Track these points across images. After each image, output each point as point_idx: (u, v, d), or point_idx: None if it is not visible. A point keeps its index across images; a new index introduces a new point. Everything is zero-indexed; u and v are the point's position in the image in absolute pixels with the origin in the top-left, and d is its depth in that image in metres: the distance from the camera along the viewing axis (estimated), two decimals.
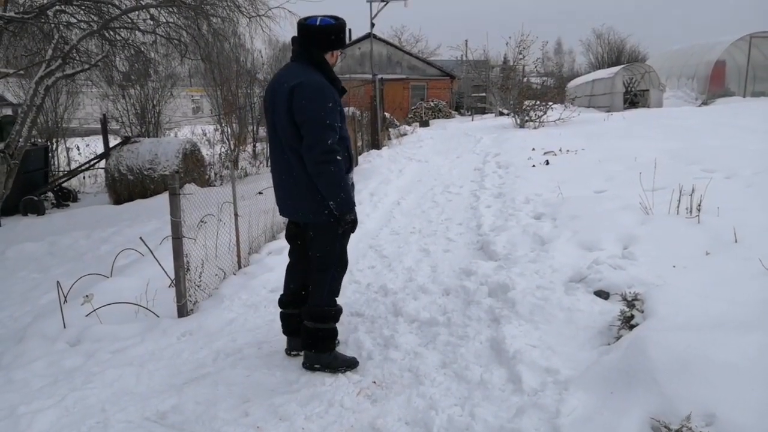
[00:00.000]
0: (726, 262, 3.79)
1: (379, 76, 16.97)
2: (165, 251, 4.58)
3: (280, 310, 3.41)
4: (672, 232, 4.50)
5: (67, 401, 2.99)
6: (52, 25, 8.16)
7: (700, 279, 3.57)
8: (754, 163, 6.92)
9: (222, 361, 3.44)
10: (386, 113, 18.50)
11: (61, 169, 13.45)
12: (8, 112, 13.06)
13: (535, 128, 16.20)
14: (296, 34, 3.03)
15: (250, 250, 5.46)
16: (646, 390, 2.38)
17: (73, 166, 13.78)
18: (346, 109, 3.44)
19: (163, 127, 15.93)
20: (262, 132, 15.66)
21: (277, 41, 17.92)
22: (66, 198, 11.52)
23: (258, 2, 9.19)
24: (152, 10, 8.53)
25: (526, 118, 17.04)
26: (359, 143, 12.97)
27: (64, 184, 11.75)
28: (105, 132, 12.36)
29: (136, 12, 8.52)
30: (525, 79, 22.24)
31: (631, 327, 3.04)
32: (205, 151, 14.03)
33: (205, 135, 16.61)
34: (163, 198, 5.29)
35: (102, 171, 12.25)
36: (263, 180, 7.54)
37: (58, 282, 4.23)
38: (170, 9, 8.59)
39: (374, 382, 3.06)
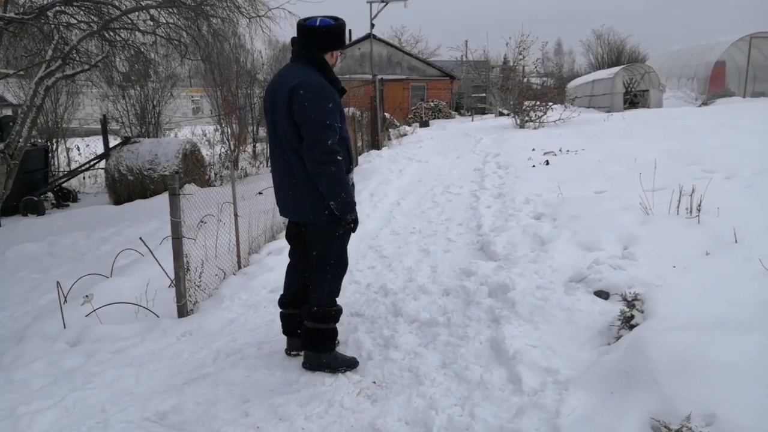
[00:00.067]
0: (726, 263, 3.79)
1: (379, 77, 16.97)
2: (165, 251, 4.58)
3: (280, 310, 3.42)
4: (672, 233, 4.50)
5: (67, 401, 2.99)
6: (52, 26, 8.17)
7: (700, 279, 3.57)
8: (754, 164, 6.92)
9: (222, 361, 3.44)
10: (386, 114, 18.50)
11: (61, 169, 13.45)
12: (8, 112, 13.05)
13: (535, 128, 16.20)
14: (296, 35, 3.03)
15: (250, 250, 5.46)
16: (646, 390, 2.38)
17: (73, 166, 13.79)
18: (346, 110, 3.44)
19: (163, 128, 15.93)
20: (262, 132, 15.67)
21: (277, 42, 17.94)
22: (66, 198, 11.52)
23: (258, 3, 9.20)
24: (152, 11, 8.54)
25: (526, 118, 17.04)
26: (359, 143, 12.98)
27: (64, 185, 11.76)
28: (105, 132, 12.37)
29: (136, 13, 8.53)
30: (525, 80, 22.24)
31: (631, 327, 3.04)
32: (205, 152, 14.04)
33: (205, 135, 16.61)
34: (163, 198, 5.29)
35: (102, 171, 12.26)
36: (263, 180, 7.55)
37: (58, 282, 4.23)
38: (170, 10, 8.60)
39: (374, 382, 3.06)
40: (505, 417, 2.62)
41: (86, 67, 8.95)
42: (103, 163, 11.85)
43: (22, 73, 9.70)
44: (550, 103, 17.67)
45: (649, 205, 5.08)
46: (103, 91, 13.92)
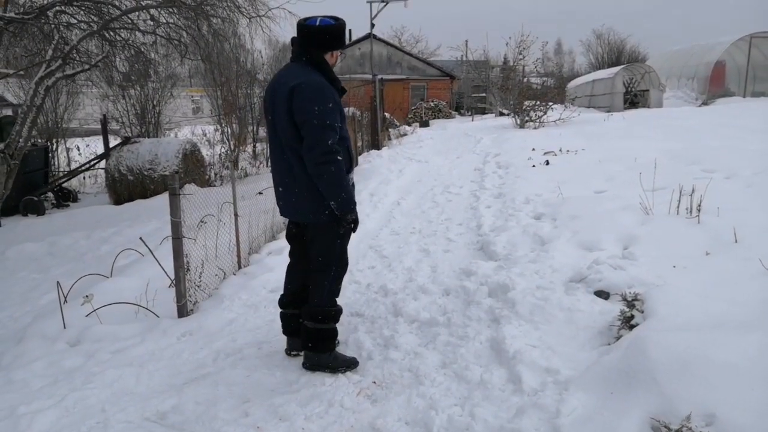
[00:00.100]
0: (726, 262, 3.79)
1: (379, 77, 16.97)
2: (165, 251, 4.58)
3: (280, 310, 3.41)
4: (672, 233, 4.50)
5: (67, 401, 2.99)
6: (53, 26, 8.17)
7: (700, 279, 3.57)
8: (754, 164, 6.92)
9: (222, 361, 3.44)
10: (386, 113, 18.50)
11: (61, 169, 13.45)
12: (8, 112, 13.06)
13: (535, 128, 16.20)
14: (296, 35, 3.03)
15: (250, 250, 5.46)
16: (646, 390, 2.38)
17: (73, 166, 13.79)
18: (346, 110, 3.44)
19: (163, 128, 15.94)
20: (262, 132, 15.67)
21: (277, 42, 17.94)
22: (66, 198, 11.53)
23: (258, 3, 9.20)
24: (152, 11, 8.54)
25: (526, 118, 17.04)
26: (359, 143, 12.97)
27: (64, 185, 11.76)
28: (105, 132, 12.37)
29: (136, 12, 8.53)
30: (525, 80, 22.23)
31: (631, 327, 3.04)
32: (205, 152, 14.04)
33: (205, 135, 16.61)
34: (163, 198, 5.30)
35: (102, 171, 12.26)
36: (263, 180, 7.55)
37: (58, 282, 4.23)
38: (170, 9, 8.59)
39: (374, 382, 3.06)
40: (505, 417, 2.62)
41: (86, 66, 8.95)
42: (103, 163, 11.85)
43: (22, 73, 9.70)
44: (550, 103, 17.66)
45: (649, 205, 5.08)
46: (103, 91, 13.92)
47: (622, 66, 25.45)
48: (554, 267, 4.22)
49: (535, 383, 2.82)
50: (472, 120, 23.09)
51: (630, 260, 4.13)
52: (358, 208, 3.11)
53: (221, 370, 3.30)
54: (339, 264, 3.18)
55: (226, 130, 15.44)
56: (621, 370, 2.57)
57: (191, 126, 18.27)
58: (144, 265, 5.00)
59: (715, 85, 22.64)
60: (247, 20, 9.23)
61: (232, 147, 15.22)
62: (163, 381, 3.22)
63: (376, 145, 14.80)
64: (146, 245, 4.98)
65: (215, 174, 13.21)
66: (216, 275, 4.73)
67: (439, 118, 25.42)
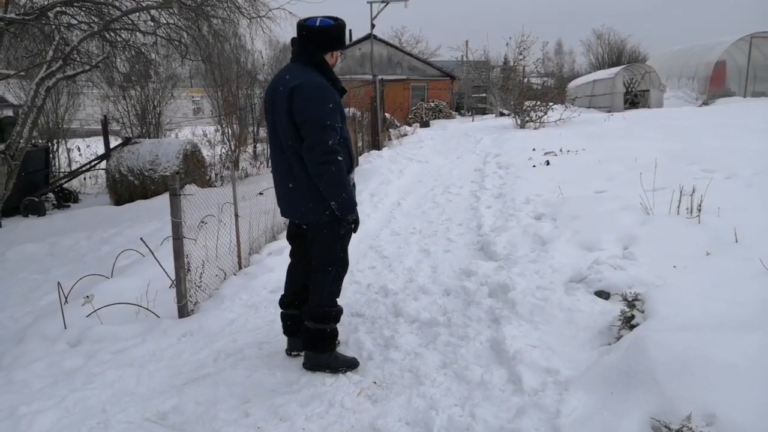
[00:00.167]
0: (726, 262, 3.78)
1: (380, 77, 16.97)
2: (165, 252, 4.58)
3: (280, 310, 3.42)
4: (672, 233, 4.50)
5: (67, 402, 3.00)
6: (53, 27, 8.18)
7: (701, 279, 3.57)
8: (754, 163, 6.91)
9: (222, 361, 3.44)
10: (387, 114, 18.50)
11: (62, 170, 13.46)
12: (9, 113, 13.07)
13: (535, 129, 16.20)
14: (296, 35, 3.03)
15: (250, 250, 5.46)
16: (647, 390, 2.38)
17: (74, 167, 13.80)
18: (346, 110, 3.44)
19: (164, 128, 15.94)
20: (263, 133, 15.67)
21: (278, 42, 17.94)
22: (67, 199, 11.53)
23: (258, 3, 9.20)
24: (153, 12, 8.55)
25: (527, 118, 17.04)
26: (360, 144, 12.98)
27: (65, 185, 11.77)
28: (106, 133, 12.38)
29: (137, 13, 8.54)
30: (525, 80, 22.23)
31: (632, 327, 3.04)
32: (206, 152, 14.05)
33: (205, 136, 16.63)
34: (164, 199, 5.29)
35: (103, 172, 12.27)
36: (264, 181, 7.55)
37: (58, 283, 4.24)
38: (171, 10, 8.60)
39: (375, 383, 3.06)
40: (505, 417, 2.62)
41: (87, 67, 8.96)
42: (103, 164, 11.86)
43: (22, 73, 9.71)
44: (551, 103, 17.66)
45: (650, 205, 5.08)
46: (104, 92, 13.93)
47: (622, 66, 25.44)
48: (554, 267, 4.22)
49: (536, 383, 2.82)
50: (473, 120, 23.09)
51: (630, 260, 4.13)
52: (358, 208, 3.11)
53: (222, 370, 3.30)
54: (339, 264, 3.18)
55: (226, 131, 15.45)
56: (621, 370, 2.57)
57: (192, 126, 18.28)
58: (144, 266, 5.01)
59: (716, 85, 22.63)
60: (248, 21, 9.24)
61: (233, 147, 15.23)
62: (163, 381, 3.22)
63: (376, 145, 14.81)
64: (147, 246, 4.98)
65: (216, 174, 13.22)
66: (216, 276, 4.74)
67: (439, 118, 25.42)
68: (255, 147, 16.27)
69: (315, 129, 2.83)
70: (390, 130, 17.97)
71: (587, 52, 44.34)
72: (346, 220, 3.00)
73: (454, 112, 27.98)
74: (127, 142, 11.74)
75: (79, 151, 15.51)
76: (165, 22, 8.87)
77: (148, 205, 9.96)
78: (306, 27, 2.96)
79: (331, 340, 3.22)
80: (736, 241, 4.10)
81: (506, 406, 2.72)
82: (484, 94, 28.34)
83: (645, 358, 2.51)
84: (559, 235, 4.96)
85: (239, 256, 5.12)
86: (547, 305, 3.58)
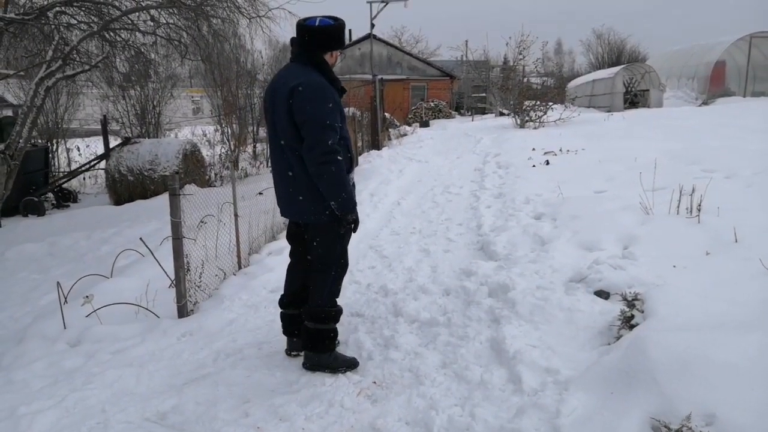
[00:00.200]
0: (726, 262, 3.78)
1: (379, 77, 16.97)
2: (165, 252, 4.58)
3: (280, 310, 3.42)
4: (672, 232, 4.50)
5: (67, 402, 2.99)
6: (53, 27, 8.17)
7: (700, 279, 3.57)
8: (754, 163, 6.92)
9: (222, 361, 3.44)
10: (386, 114, 18.50)
11: (62, 169, 13.46)
12: (8, 113, 13.06)
13: (535, 128, 16.20)
14: (296, 35, 3.03)
15: (250, 250, 5.46)
16: (647, 390, 2.38)
17: (74, 166, 13.79)
18: (346, 110, 3.44)
19: (164, 128, 15.94)
20: (262, 133, 15.67)
21: (278, 42, 17.95)
22: (66, 199, 11.53)
23: (258, 3, 9.20)
24: (152, 12, 8.54)
25: (527, 118, 17.04)
26: (359, 144, 12.98)
27: (65, 185, 11.76)
28: (105, 133, 12.38)
29: (137, 13, 8.53)
30: (525, 80, 22.24)
31: (632, 327, 3.04)
32: (206, 152, 14.04)
33: (205, 136, 16.62)
34: (163, 198, 5.30)
35: (102, 172, 12.27)
36: (263, 180, 7.55)
37: (58, 283, 4.23)
38: (170, 10, 8.60)
39: (374, 383, 3.06)
40: (505, 417, 2.62)
41: (86, 67, 8.95)
42: (103, 164, 11.85)
43: (22, 73, 9.70)
44: (551, 103, 17.66)
45: (650, 205, 5.08)
46: (104, 92, 13.93)
47: (622, 66, 25.44)
48: (554, 267, 4.22)
49: (535, 383, 2.82)
50: (472, 120, 23.09)
51: (630, 260, 4.13)
52: (358, 208, 3.11)
53: (221, 370, 3.30)
54: (339, 264, 3.18)
55: (226, 131, 15.45)
56: (621, 370, 2.57)
57: (191, 126, 18.27)
58: (144, 266, 5.01)
59: (715, 84, 22.64)
60: (247, 21, 9.24)
61: (233, 147, 15.23)
62: (163, 381, 3.22)
63: (376, 145, 14.81)
64: (146, 246, 4.98)
65: (215, 174, 13.21)
66: (216, 275, 4.73)
67: (439, 118, 25.42)
68: (255, 147, 16.27)
69: (315, 129, 2.83)
70: (390, 129, 17.97)
71: (587, 52, 44.37)
72: (346, 219, 3.00)
73: (453, 112, 27.97)
74: (126, 141, 11.74)
75: (79, 150, 15.51)
76: (165, 21, 8.87)
77: (147, 204, 9.95)
78: (305, 27, 2.96)
79: (331, 340, 3.22)
80: (736, 241, 4.10)
81: (506, 406, 2.72)
82: (483, 94, 28.34)
83: (645, 358, 2.50)
84: (559, 235, 4.96)
85: (239, 256, 5.11)
86: (547, 305, 3.58)
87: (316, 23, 2.95)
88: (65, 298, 4.22)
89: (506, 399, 2.77)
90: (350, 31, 27.08)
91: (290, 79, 2.90)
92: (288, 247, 3.45)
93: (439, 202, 7.77)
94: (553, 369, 2.90)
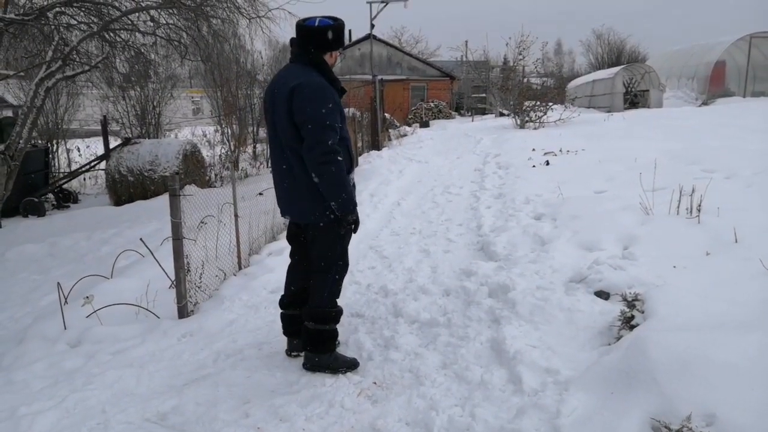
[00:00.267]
0: (726, 263, 3.79)
1: (379, 77, 16.99)
2: (165, 252, 4.58)
3: (280, 311, 3.42)
4: (672, 233, 4.50)
5: (67, 402, 2.99)
6: (53, 27, 8.17)
7: (700, 279, 3.57)
8: (754, 163, 6.92)
9: (222, 362, 3.44)
10: (386, 114, 18.51)
11: (62, 170, 13.46)
12: (8, 113, 13.06)
13: (535, 129, 16.20)
14: (295, 36, 3.03)
15: (250, 251, 5.46)
16: (647, 390, 2.38)
17: (74, 167, 13.79)
18: (346, 110, 3.44)
19: (164, 129, 15.94)
20: (263, 133, 15.68)
21: (277, 42, 17.95)
22: (66, 199, 11.53)
23: (258, 3, 9.20)
24: (152, 12, 8.54)
25: (527, 118, 17.05)
26: (359, 144, 12.98)
27: (65, 186, 11.77)
28: (105, 133, 12.39)
29: (136, 14, 8.53)
30: (525, 80, 22.23)
31: (632, 327, 3.04)
32: (206, 152, 14.05)
33: (205, 136, 16.62)
34: (164, 199, 5.30)
35: (102, 172, 12.27)
36: (263, 181, 7.55)
37: (58, 283, 4.23)
38: (170, 10, 8.60)
39: (375, 383, 3.06)
40: (505, 417, 2.62)
41: (86, 68, 8.96)
42: (103, 164, 11.86)
43: (22, 74, 9.71)
44: (550, 104, 17.67)
45: (649, 205, 5.08)
46: (104, 92, 13.94)
47: (622, 66, 25.45)
48: (554, 267, 4.22)
49: (536, 383, 2.82)
50: (472, 120, 23.09)
51: (630, 260, 4.13)
52: (358, 208, 3.11)
53: (222, 371, 3.30)
54: (339, 265, 3.18)
55: (226, 131, 15.45)
56: (621, 370, 2.57)
57: (191, 127, 18.27)
58: (144, 266, 5.01)
59: (715, 85, 22.65)
60: (247, 21, 9.24)
61: (233, 148, 15.23)
62: (163, 382, 3.22)
63: (376, 145, 14.81)
64: (146, 246, 4.98)
65: (215, 175, 13.22)
66: (216, 276, 4.73)
67: (439, 118, 25.43)
68: (255, 147, 16.27)
69: (315, 129, 2.83)
70: (390, 130, 17.97)
71: (587, 52, 44.38)
72: (346, 220, 3.00)
73: (453, 113, 27.98)
74: (126, 142, 11.75)
75: (79, 151, 15.51)
76: (164, 22, 8.87)
77: (147, 205, 9.96)
78: (305, 27, 2.96)
79: (331, 340, 3.22)
80: (736, 241, 4.10)
81: (506, 406, 2.72)
82: (483, 95, 28.35)
83: (645, 358, 2.51)
84: (559, 235, 4.96)
85: (239, 257, 5.11)
86: (547, 305, 3.58)
87: (316, 23, 2.95)
88: (65, 299, 4.22)
89: (506, 399, 2.77)
90: (350, 31, 27.11)
91: (290, 80, 2.90)
92: (288, 248, 3.45)
93: (439, 202, 7.77)
94: (554, 369, 2.90)
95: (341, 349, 3.42)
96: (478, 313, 3.74)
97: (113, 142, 12.44)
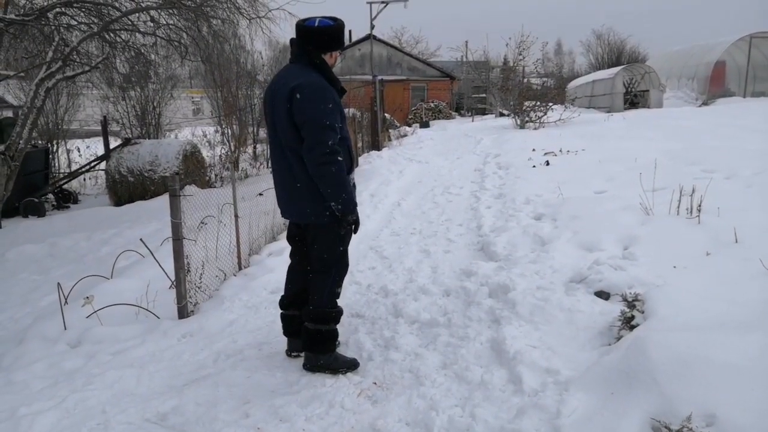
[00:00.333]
0: (726, 263, 3.78)
1: (379, 77, 16.99)
2: (165, 253, 4.58)
3: (280, 311, 3.41)
4: (672, 233, 4.50)
5: (67, 403, 2.99)
6: (53, 27, 8.18)
7: (701, 279, 3.57)
8: (754, 163, 6.92)
9: (222, 362, 3.44)
10: (386, 114, 18.51)
11: (62, 170, 13.46)
12: (9, 114, 13.07)
13: (535, 129, 16.20)
14: (295, 36, 3.03)
15: (250, 251, 5.46)
16: (647, 390, 2.38)
17: (74, 167, 13.80)
18: (346, 110, 3.44)
19: (164, 129, 15.94)
20: (263, 133, 15.67)
21: (277, 43, 17.93)
22: (66, 200, 11.54)
23: (258, 4, 9.20)
24: (152, 12, 8.54)
25: (527, 118, 17.05)
26: (359, 144, 12.99)
27: (65, 186, 11.77)
28: (105, 134, 12.39)
29: (137, 14, 8.53)
30: (525, 80, 22.23)
31: (632, 327, 3.04)
32: (206, 153, 14.05)
33: (205, 136, 16.62)
34: (164, 199, 5.30)
35: (102, 173, 12.27)
36: (263, 181, 7.55)
37: (58, 283, 4.23)
38: (170, 11, 8.60)
39: (375, 383, 3.06)
40: (505, 417, 2.62)
41: (87, 68, 8.96)
42: (103, 165, 11.86)
43: (22, 74, 9.71)
44: (551, 104, 17.67)
45: (650, 206, 5.08)
46: (104, 93, 13.94)
47: (622, 66, 25.45)
48: (554, 267, 4.22)
49: (536, 384, 2.82)
50: (473, 121, 23.10)
51: (630, 260, 4.13)
52: (358, 208, 3.11)
53: (222, 371, 3.30)
54: (340, 265, 3.18)
55: (226, 132, 15.44)
56: (621, 370, 2.57)
57: (191, 127, 18.27)
58: (144, 267, 5.01)
59: (715, 85, 22.64)
60: (247, 21, 9.23)
61: (233, 148, 15.22)
62: (163, 382, 3.22)
63: (376, 145, 14.81)
64: (147, 246, 4.98)
65: (215, 175, 13.21)
66: (216, 276, 4.74)
67: (439, 118, 25.44)
68: (255, 147, 16.27)
69: (315, 129, 2.83)
70: (390, 130, 17.98)
71: (587, 53, 44.39)
72: (347, 220, 3.00)
73: (453, 113, 27.99)
74: (126, 142, 11.75)
75: (79, 151, 15.52)
76: (165, 22, 8.87)
77: (147, 205, 9.96)
78: (305, 28, 2.96)
79: (331, 341, 3.22)
80: (736, 242, 4.10)
81: (506, 406, 2.72)
82: (483, 95, 28.36)
83: (645, 359, 2.50)
84: (559, 236, 4.96)
85: (239, 257, 5.11)
86: (548, 305, 3.58)
87: (316, 24, 2.95)
88: (65, 299, 4.22)
89: (507, 399, 2.77)
90: (350, 31, 27.13)
91: (290, 80, 2.90)
92: (288, 248, 3.45)
93: (440, 202, 7.77)
94: (554, 369, 2.90)
95: (341, 350, 3.42)
96: (478, 313, 3.74)
97: (113, 143, 12.44)
